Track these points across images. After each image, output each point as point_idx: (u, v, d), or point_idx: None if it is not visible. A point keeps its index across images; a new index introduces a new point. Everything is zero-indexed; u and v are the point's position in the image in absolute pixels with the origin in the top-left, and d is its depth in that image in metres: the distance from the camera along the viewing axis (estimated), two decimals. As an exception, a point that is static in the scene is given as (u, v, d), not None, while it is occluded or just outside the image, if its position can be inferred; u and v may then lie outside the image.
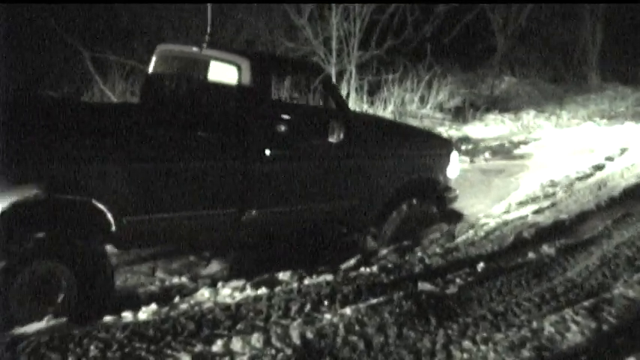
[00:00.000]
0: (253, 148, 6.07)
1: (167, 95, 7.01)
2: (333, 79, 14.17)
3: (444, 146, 8.04)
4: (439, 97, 16.73)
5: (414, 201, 7.38)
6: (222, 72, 6.41)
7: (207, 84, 6.61)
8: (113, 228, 5.38)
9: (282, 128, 6.28)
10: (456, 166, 7.99)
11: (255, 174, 6.11)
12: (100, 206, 5.27)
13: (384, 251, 7.05)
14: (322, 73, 7.14)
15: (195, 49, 6.72)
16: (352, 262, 6.72)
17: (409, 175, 7.45)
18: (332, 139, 6.42)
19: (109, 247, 5.56)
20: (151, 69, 7.17)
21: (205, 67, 6.60)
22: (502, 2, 19.95)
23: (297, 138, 6.50)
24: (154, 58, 7.14)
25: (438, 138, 8.92)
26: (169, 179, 5.63)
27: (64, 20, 12.64)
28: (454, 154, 7.97)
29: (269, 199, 6.31)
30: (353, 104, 14.35)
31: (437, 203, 7.71)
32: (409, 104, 15.96)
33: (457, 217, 8.19)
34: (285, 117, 6.47)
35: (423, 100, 16.37)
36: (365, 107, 14.79)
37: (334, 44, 14.41)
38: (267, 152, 6.15)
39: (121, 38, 13.60)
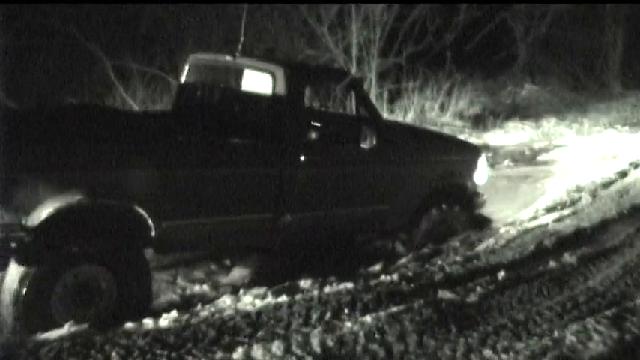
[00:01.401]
0: (288, 155, 6.17)
1: (201, 104, 7.14)
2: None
3: (473, 152, 8.14)
4: (459, 104, 16.72)
5: (444, 206, 7.46)
6: (257, 80, 6.52)
7: (241, 92, 6.71)
8: (153, 233, 5.50)
9: (316, 135, 6.40)
10: (484, 172, 8.05)
11: (289, 180, 6.21)
12: (141, 211, 5.39)
13: (403, 259, 7.05)
14: (354, 80, 7.19)
15: (228, 58, 6.86)
16: (377, 267, 6.73)
17: (439, 181, 7.52)
18: (364, 146, 6.50)
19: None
20: (183, 78, 7.32)
21: (239, 75, 6.72)
22: (523, 3, 19.85)
23: (331, 144, 6.62)
24: (186, 68, 7.29)
25: (467, 144, 8.98)
26: (206, 185, 5.74)
27: (86, 28, 12.75)
28: (482, 160, 8.04)
29: (303, 204, 6.41)
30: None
31: (466, 208, 7.78)
32: (429, 112, 15.95)
33: (485, 222, 8.26)
34: (319, 124, 6.55)
35: (443, 108, 16.36)
36: (385, 115, 14.77)
37: (354, 52, 14.43)
38: (302, 158, 6.24)
39: (141, 46, 13.70)
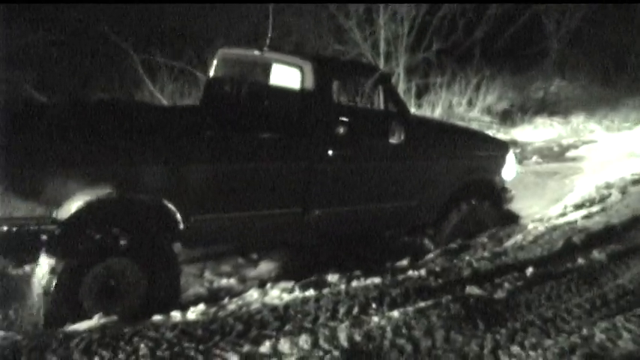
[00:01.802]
0: (316, 149, 6.19)
1: (229, 98, 7.15)
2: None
3: (501, 148, 8.11)
4: (487, 100, 16.63)
5: (472, 202, 7.47)
6: (285, 74, 6.53)
7: (269, 86, 6.72)
8: (181, 227, 5.53)
9: (344, 129, 6.35)
10: (512, 168, 8.03)
11: (318, 174, 6.22)
12: (170, 206, 5.43)
13: (431, 255, 7.04)
14: (383, 76, 7.18)
15: (257, 52, 6.88)
16: (404, 262, 6.74)
17: (467, 177, 7.52)
18: (393, 140, 6.51)
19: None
20: (212, 73, 7.33)
21: (267, 70, 6.73)
22: (556, 2, 19.65)
23: (359, 139, 6.58)
24: (214, 62, 7.30)
25: (495, 140, 8.93)
26: (235, 179, 5.77)
27: (115, 23, 12.84)
28: (510, 156, 8.02)
29: (331, 199, 6.43)
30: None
31: (494, 204, 7.76)
32: (457, 107, 15.88)
33: (514, 218, 8.25)
34: (347, 118, 6.53)
35: (470, 103, 16.28)
36: (413, 110, 14.74)
37: (382, 46, 14.39)
38: (330, 152, 6.25)
39: (170, 41, 13.76)
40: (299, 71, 6.35)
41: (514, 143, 14.37)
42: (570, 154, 13.83)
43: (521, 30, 17.76)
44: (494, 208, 7.74)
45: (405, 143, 6.59)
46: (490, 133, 14.63)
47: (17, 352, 4.23)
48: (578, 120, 17.38)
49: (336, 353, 4.47)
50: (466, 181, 7.51)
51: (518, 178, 8.69)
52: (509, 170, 7.97)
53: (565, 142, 15.06)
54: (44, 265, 4.94)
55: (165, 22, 14.01)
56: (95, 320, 4.91)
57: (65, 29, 12.89)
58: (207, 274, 6.53)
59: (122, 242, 5.15)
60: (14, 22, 11.90)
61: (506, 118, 16.41)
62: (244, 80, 7.08)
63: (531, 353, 4.68)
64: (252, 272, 6.66)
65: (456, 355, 4.60)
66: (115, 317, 4.97)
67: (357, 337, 4.69)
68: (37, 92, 11.71)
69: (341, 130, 6.33)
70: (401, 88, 14.52)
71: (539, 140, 15.14)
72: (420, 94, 15.34)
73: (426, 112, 14.96)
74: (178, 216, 5.48)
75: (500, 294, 5.73)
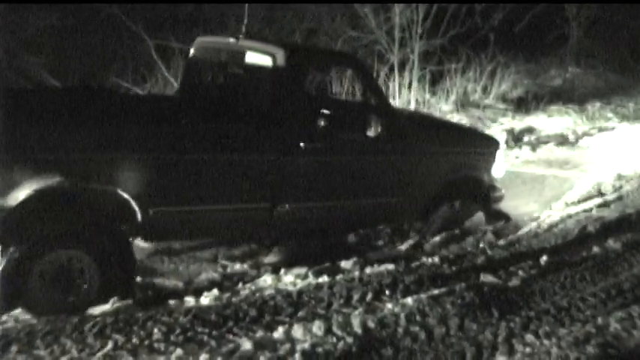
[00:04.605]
0: (287, 141, 5.93)
1: (204, 86, 6.96)
2: (396, 69, 14.15)
3: (490, 144, 7.74)
4: (502, 87, 16.58)
5: (458, 201, 7.18)
6: (258, 63, 6.28)
7: (242, 76, 6.52)
8: (139, 219, 5.33)
9: (318, 120, 6.13)
10: (502, 165, 7.69)
11: (288, 167, 5.97)
12: (126, 196, 5.23)
13: (436, 239, 6.99)
14: (358, 63, 6.97)
15: (231, 40, 6.65)
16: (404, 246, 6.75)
17: (452, 174, 7.19)
18: (369, 133, 6.26)
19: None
20: (188, 61, 7.18)
21: (241, 58, 6.49)
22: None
23: (333, 131, 6.29)
24: (192, 51, 7.12)
25: (483, 135, 8.66)
26: (197, 171, 5.53)
27: (129, 8, 12.85)
28: (500, 153, 7.66)
29: (303, 194, 6.17)
30: (415, 94, 14.28)
31: (481, 203, 7.46)
32: (471, 94, 15.83)
33: (503, 218, 7.94)
34: (322, 109, 6.34)
35: (485, 91, 16.21)
36: (427, 97, 14.70)
37: (397, 32, 14.33)
38: (302, 145, 6.00)
39: (183, 26, 13.75)
40: (271, 59, 6.11)
41: (529, 130, 14.31)
42: (583, 142, 13.73)
43: (541, 15, 17.59)
44: (480, 206, 7.42)
45: (382, 137, 6.31)
46: (505, 120, 14.66)
47: (32, 336, 4.24)
48: (593, 108, 17.27)
49: (349, 340, 4.46)
50: (451, 178, 7.21)
51: (528, 168, 8.60)
52: (499, 167, 7.62)
53: (580, 130, 14.96)
54: None
55: (180, 7, 13.99)
56: (109, 305, 4.93)
57: (79, 15, 12.91)
58: (221, 259, 6.53)
59: (72, 233, 5.01)
60: (29, 9, 11.95)
61: (521, 105, 16.32)
62: (219, 68, 6.87)
63: (545, 342, 4.66)
64: (265, 258, 6.66)
65: (470, 344, 4.58)
66: (130, 301, 4.99)
67: (371, 324, 4.68)
68: (52, 78, 11.76)
69: (314, 121, 6.11)
70: (415, 75, 14.47)
71: (554, 128, 15.04)
72: (434, 81, 15.28)
73: (440, 99, 14.92)
74: (135, 208, 5.27)
75: (514, 282, 5.71)
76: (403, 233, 7.36)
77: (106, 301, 5.01)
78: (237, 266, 6.35)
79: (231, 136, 5.73)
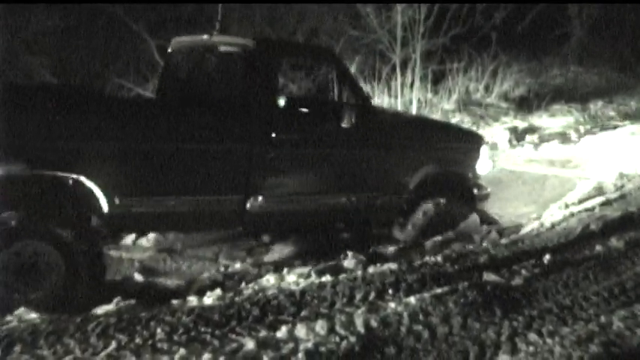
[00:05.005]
0: (258, 131, 5.89)
1: (180, 81, 6.98)
2: (397, 68, 14.15)
3: (473, 140, 7.66)
4: (504, 86, 16.58)
5: (443, 199, 7.07)
6: (231, 56, 6.37)
7: (215, 67, 6.61)
8: (105, 209, 5.25)
9: (291, 111, 6.10)
10: (486, 162, 7.54)
11: (260, 159, 5.92)
12: (91, 185, 5.14)
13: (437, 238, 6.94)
14: (332, 56, 6.95)
15: (205, 37, 6.69)
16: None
17: (432, 168, 7.07)
18: (343, 124, 6.21)
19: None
20: (166, 59, 7.26)
21: (216, 53, 6.60)
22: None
23: (307, 122, 6.27)
24: (169, 51, 7.16)
25: (467, 131, 8.59)
26: (166, 161, 5.46)
27: (131, 8, 12.85)
28: (484, 149, 7.52)
29: (276, 186, 6.13)
30: (417, 93, 14.28)
31: (465, 199, 7.34)
32: (474, 93, 15.83)
33: (488, 218, 7.85)
34: (295, 101, 6.33)
35: (487, 90, 16.21)
36: (429, 96, 14.70)
37: (399, 32, 14.32)
38: (273, 135, 5.97)
39: (185, 26, 13.75)
40: (242, 50, 6.15)
41: (531, 129, 14.31)
42: (585, 141, 13.72)
43: (543, 14, 17.59)
44: (464, 203, 7.31)
45: (357, 129, 6.27)
46: (507, 119, 14.66)
47: (35, 336, 4.24)
48: (595, 107, 17.27)
49: (352, 339, 4.46)
50: (431, 173, 7.06)
51: (530, 167, 8.59)
52: (483, 164, 7.48)
53: (582, 128, 14.96)
54: None
55: (181, 7, 13.99)
56: (113, 304, 4.93)
57: (81, 15, 12.91)
58: (222, 259, 6.54)
59: (33, 224, 4.88)
60: (31, 9, 11.95)
61: (523, 104, 16.33)
62: (194, 65, 6.95)
63: (549, 341, 4.65)
64: (266, 257, 6.66)
65: (473, 342, 4.57)
66: (133, 301, 4.98)
67: (374, 323, 4.67)
68: (54, 78, 11.76)
69: (287, 111, 6.07)
70: (417, 75, 14.47)
71: (556, 126, 15.05)
72: (437, 81, 15.28)
73: (442, 98, 14.92)
74: (101, 197, 5.18)
75: (517, 281, 5.70)
76: (384, 229, 7.26)
77: (76, 296, 4.98)
78: (238, 265, 6.36)
79: (201, 126, 5.69)
